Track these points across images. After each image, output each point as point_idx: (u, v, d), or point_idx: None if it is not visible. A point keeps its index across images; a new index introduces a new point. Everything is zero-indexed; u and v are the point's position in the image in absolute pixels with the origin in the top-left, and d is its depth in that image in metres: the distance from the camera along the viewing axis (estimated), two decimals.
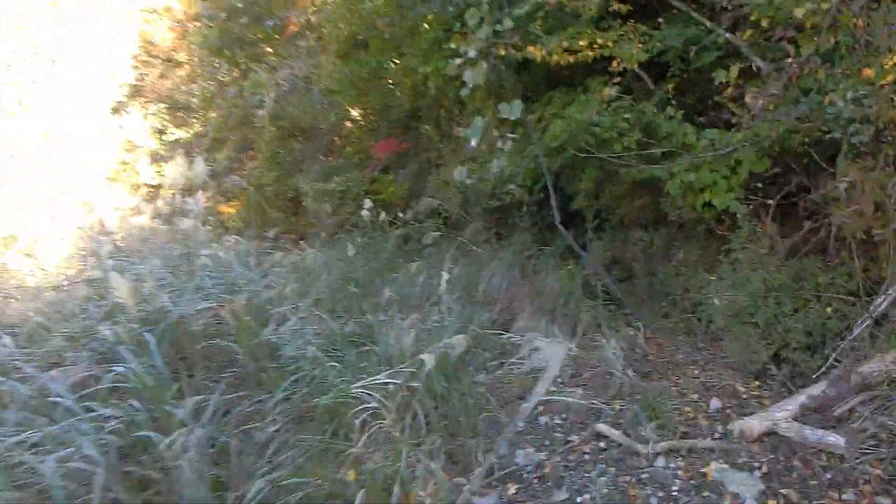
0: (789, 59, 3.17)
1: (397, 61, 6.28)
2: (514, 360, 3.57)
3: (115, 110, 14.67)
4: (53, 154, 13.33)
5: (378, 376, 2.80)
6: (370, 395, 2.68)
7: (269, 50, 9.40)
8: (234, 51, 9.84)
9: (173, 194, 16.11)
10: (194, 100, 12.48)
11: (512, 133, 4.77)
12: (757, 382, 3.33)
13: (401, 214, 6.06)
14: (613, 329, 3.88)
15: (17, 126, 11.27)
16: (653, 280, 4.21)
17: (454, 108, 6.50)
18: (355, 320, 3.75)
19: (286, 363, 3.09)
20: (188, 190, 15.05)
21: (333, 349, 3.30)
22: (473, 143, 3.90)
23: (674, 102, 4.23)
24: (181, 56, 13.16)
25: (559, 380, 3.46)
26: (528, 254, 4.90)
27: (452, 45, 4.24)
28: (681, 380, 3.43)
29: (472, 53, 3.85)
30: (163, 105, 13.59)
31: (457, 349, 3.02)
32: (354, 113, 8.47)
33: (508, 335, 3.82)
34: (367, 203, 5.83)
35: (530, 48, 4.08)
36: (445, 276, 3.80)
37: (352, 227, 6.72)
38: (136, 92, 14.15)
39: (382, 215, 5.80)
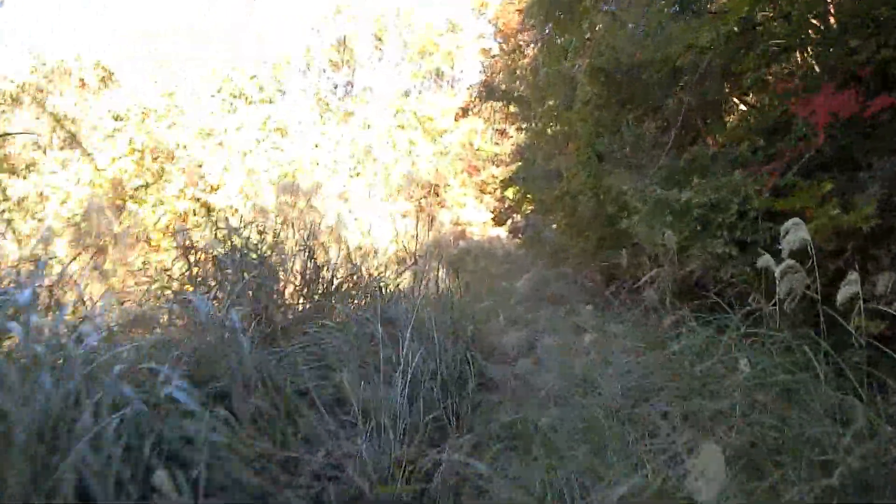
0: None
1: None
2: None
3: (464, 111, 14.29)
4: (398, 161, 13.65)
5: None
6: None
7: None
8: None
9: (509, 205, 14.43)
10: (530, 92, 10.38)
11: None
12: None
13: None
14: None
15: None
16: None
17: None
18: None
19: None
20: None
21: None
22: None
23: None
24: (527, 40, 11.40)
25: None
26: None
27: None
28: None
29: None
30: (503, 103, 12.19)
31: None
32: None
33: None
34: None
35: None
36: None
37: (720, 287, 2.79)
38: (484, 90, 13.21)
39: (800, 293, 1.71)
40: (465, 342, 3.15)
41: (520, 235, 13.94)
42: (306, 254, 3.08)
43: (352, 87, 23.62)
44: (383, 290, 3.28)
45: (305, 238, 3.06)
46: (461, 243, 14.17)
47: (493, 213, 16.98)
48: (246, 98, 8.42)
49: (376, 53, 23.74)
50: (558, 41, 7.06)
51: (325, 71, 24.21)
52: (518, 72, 9.94)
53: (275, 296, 2.69)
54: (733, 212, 3.60)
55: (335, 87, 22.28)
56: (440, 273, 6.02)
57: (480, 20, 14.23)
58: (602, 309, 4.28)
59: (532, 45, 10.74)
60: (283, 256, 2.93)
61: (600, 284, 5.92)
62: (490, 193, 17.79)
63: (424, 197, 17.90)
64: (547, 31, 8.07)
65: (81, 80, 10.28)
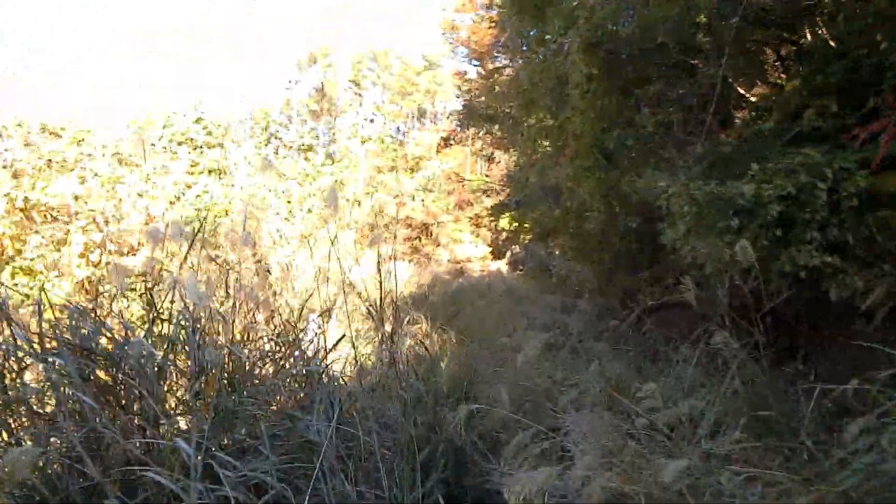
0: None
1: None
2: None
3: (445, 141, 13.41)
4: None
5: None
6: None
7: None
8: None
9: (507, 236, 13.13)
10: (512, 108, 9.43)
11: None
12: None
13: None
14: None
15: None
16: None
17: None
18: None
19: None
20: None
21: None
22: None
23: None
24: (504, 62, 10.53)
25: None
26: None
27: None
28: None
29: None
30: (487, 127, 11.26)
31: None
32: None
33: None
34: None
35: None
36: None
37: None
38: (464, 114, 12.30)
39: None
40: (449, 452, 1.93)
41: (520, 267, 12.76)
42: (192, 336, 1.92)
43: (335, 135, 22.97)
44: (310, 382, 2.08)
45: (189, 311, 1.90)
46: (460, 281, 12.99)
47: (490, 245, 15.85)
48: (191, 142, 7.46)
49: (356, 99, 23.21)
50: (539, 57, 6.07)
51: (306, 122, 23.65)
52: (497, 88, 9.00)
53: (97, 425, 1.51)
54: (822, 201, 2.45)
55: (317, 137, 21.63)
56: (425, 326, 4.81)
57: (457, 53, 13.51)
58: (647, 358, 3.07)
59: (510, 63, 9.87)
60: (142, 350, 1.76)
61: (624, 314, 4.66)
62: (486, 226, 16.75)
63: (418, 237, 16.80)
64: (522, 42, 7.15)
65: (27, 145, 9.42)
